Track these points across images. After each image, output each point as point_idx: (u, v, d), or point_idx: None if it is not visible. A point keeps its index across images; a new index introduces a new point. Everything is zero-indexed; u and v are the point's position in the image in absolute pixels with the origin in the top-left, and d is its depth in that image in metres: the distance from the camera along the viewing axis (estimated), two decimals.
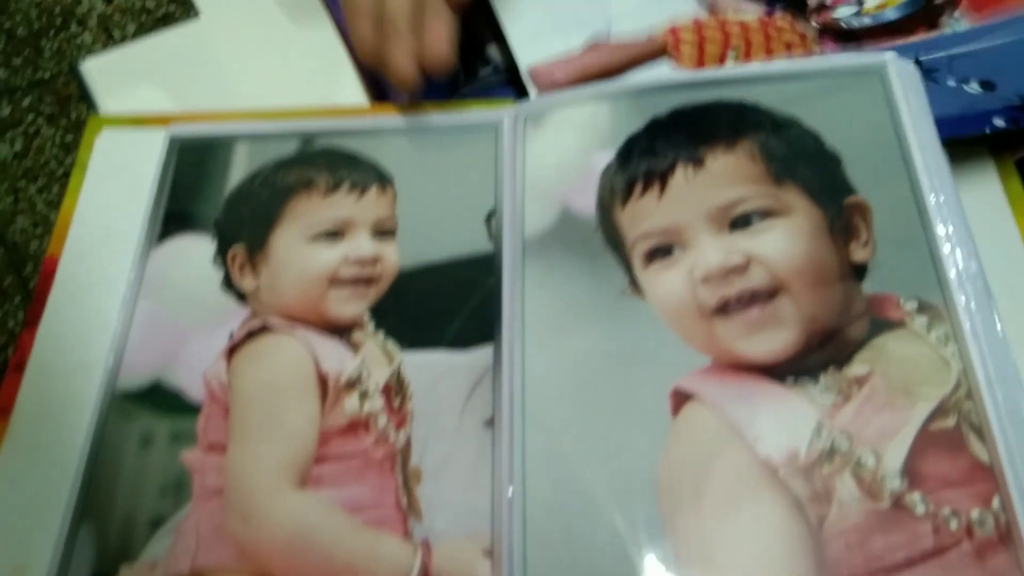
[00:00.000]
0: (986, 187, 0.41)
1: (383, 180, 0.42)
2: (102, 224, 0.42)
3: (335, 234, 0.40)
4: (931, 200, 0.37)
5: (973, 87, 0.41)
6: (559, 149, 0.41)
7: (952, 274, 0.36)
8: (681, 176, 0.38)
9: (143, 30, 0.52)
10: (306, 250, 0.40)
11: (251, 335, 0.38)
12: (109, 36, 0.90)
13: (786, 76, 0.42)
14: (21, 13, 0.91)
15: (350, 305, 0.39)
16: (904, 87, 0.40)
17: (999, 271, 0.36)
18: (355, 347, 0.38)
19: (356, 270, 0.39)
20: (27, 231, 0.90)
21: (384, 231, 0.41)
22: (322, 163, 0.42)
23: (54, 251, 0.42)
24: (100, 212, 0.43)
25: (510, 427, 0.35)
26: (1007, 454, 0.32)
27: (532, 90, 0.44)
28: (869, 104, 0.40)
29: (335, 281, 0.39)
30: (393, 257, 0.40)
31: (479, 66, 0.47)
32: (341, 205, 0.41)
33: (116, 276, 0.40)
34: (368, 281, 0.39)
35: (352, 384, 0.36)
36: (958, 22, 0.44)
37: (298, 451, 0.35)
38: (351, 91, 0.47)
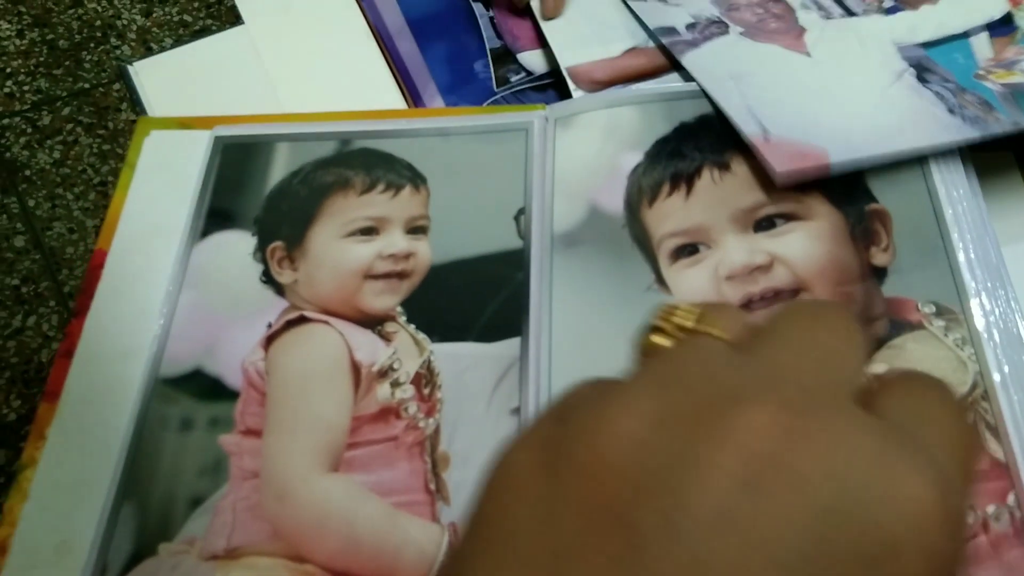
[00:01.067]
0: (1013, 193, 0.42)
1: (416, 180, 0.43)
2: (149, 220, 0.44)
3: (370, 231, 0.42)
4: (948, 211, 0.38)
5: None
6: (588, 150, 0.42)
7: (967, 278, 0.36)
8: (707, 179, 0.39)
9: (181, 43, 0.54)
10: (342, 246, 0.42)
11: (289, 325, 0.40)
12: (148, 48, 0.93)
13: None
14: (63, 25, 0.95)
15: (383, 298, 0.40)
16: None
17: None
18: (388, 338, 0.39)
19: (389, 265, 0.41)
20: (63, 236, 0.93)
21: (417, 228, 0.42)
22: (358, 163, 0.44)
23: (103, 245, 0.43)
24: (147, 209, 0.44)
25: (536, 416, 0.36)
26: (1022, 453, 0.33)
27: (572, 88, 0.46)
28: None
29: (369, 275, 0.41)
30: (425, 253, 0.41)
31: (512, 74, 0.49)
32: (376, 204, 0.42)
33: (161, 269, 0.42)
34: (401, 275, 0.41)
35: (384, 373, 0.38)
36: None
37: (331, 437, 0.37)
38: (389, 96, 0.49)
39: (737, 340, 0.17)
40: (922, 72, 0.41)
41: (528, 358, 0.38)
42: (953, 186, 0.39)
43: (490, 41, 0.50)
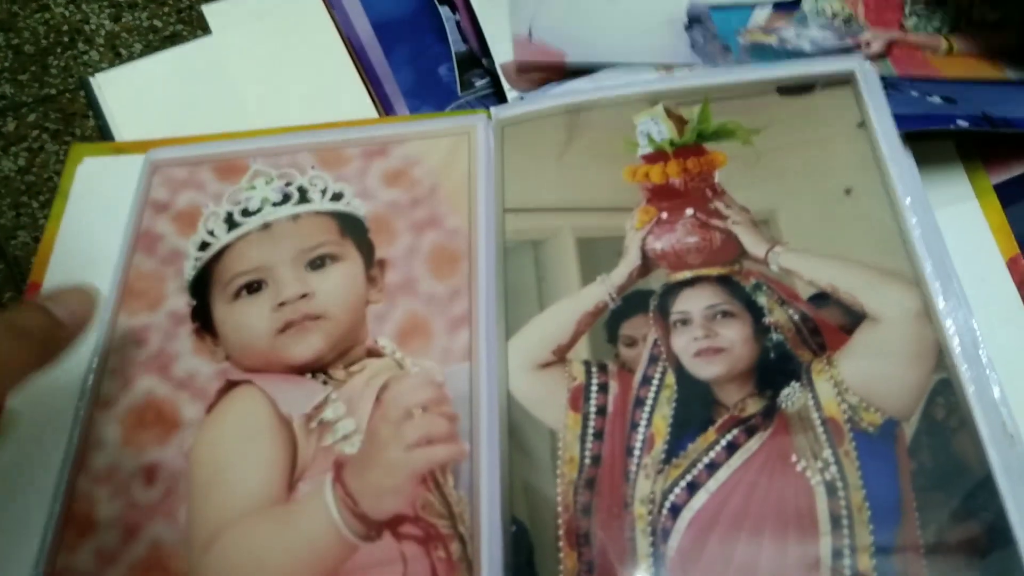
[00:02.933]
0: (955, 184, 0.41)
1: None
2: (82, 250, 0.43)
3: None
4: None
5: (935, 99, 0.41)
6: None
7: None
8: None
9: (150, 49, 0.53)
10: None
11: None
12: (116, 54, 0.92)
13: None
14: (29, 30, 0.93)
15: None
16: (870, 91, 0.41)
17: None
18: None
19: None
20: (28, 246, 0.92)
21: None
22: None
23: (36, 278, 0.42)
24: (80, 238, 0.43)
25: None
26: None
27: (506, 87, 0.46)
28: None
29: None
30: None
31: (476, 78, 0.48)
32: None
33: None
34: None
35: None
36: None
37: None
38: (361, 105, 0.48)
39: None
40: (693, 22, 0.48)
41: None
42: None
43: (455, 45, 0.49)
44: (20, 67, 0.91)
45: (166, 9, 0.90)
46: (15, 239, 0.93)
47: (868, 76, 0.41)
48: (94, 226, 0.43)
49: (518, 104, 0.44)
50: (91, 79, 0.50)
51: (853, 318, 0.36)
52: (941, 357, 0.34)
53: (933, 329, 0.35)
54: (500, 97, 0.47)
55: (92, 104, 0.50)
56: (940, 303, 0.35)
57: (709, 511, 0.33)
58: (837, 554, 0.31)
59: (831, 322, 0.36)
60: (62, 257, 0.43)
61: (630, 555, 0.32)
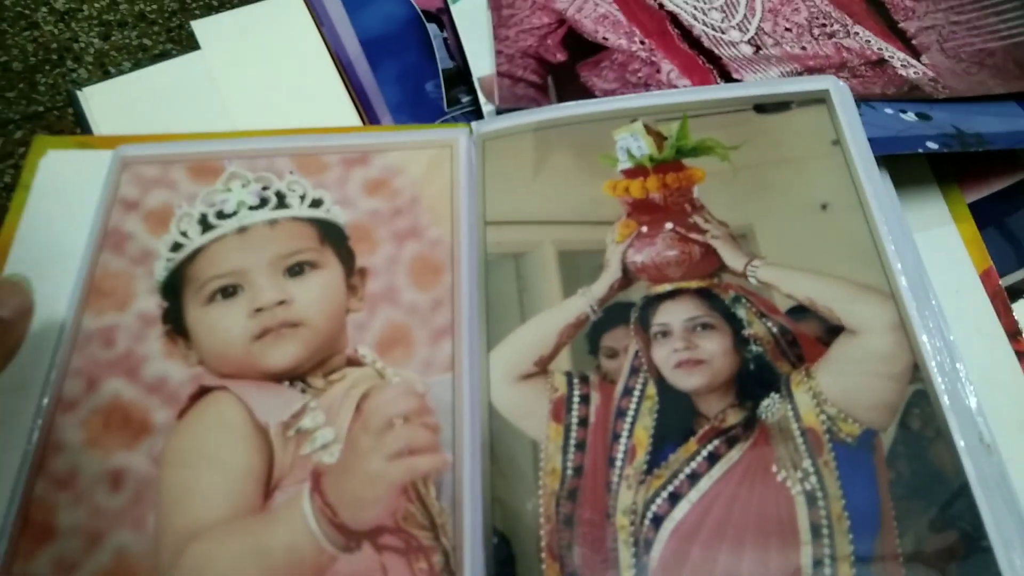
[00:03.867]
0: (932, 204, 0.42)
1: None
2: (45, 244, 0.42)
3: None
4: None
5: (909, 116, 0.43)
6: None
7: None
8: None
9: (139, 68, 0.53)
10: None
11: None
12: (106, 72, 0.91)
13: None
14: (17, 47, 0.92)
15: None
16: (844, 110, 0.42)
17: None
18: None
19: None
20: None
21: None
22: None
23: None
24: (42, 233, 0.42)
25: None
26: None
27: (483, 101, 0.46)
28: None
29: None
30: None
31: (463, 95, 0.49)
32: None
33: (59, 296, 0.40)
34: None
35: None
36: None
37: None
38: (348, 121, 0.48)
39: None
40: None
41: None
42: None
43: (443, 62, 0.49)
44: (8, 84, 0.89)
45: (156, 28, 0.89)
46: None
47: (842, 95, 0.42)
48: (57, 221, 0.42)
49: (499, 119, 0.45)
50: (78, 92, 0.49)
51: (830, 330, 0.36)
52: (917, 369, 0.35)
53: (909, 341, 0.35)
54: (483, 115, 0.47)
55: (79, 117, 0.49)
56: (915, 316, 0.36)
57: (691, 521, 0.33)
58: (818, 563, 0.31)
59: (809, 334, 0.36)
60: (21, 252, 0.41)
61: (612, 566, 0.32)
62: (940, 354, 0.35)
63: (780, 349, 0.36)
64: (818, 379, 0.35)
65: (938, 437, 0.33)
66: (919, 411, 0.34)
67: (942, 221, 0.41)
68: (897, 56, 0.44)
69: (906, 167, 0.42)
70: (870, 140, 0.40)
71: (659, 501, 0.33)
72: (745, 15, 0.47)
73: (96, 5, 0.84)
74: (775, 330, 0.37)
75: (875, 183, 0.39)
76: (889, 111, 0.42)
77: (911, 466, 0.33)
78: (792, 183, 0.40)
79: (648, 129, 0.43)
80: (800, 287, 0.37)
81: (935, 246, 0.39)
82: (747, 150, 0.42)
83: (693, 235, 0.39)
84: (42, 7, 0.87)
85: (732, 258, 0.39)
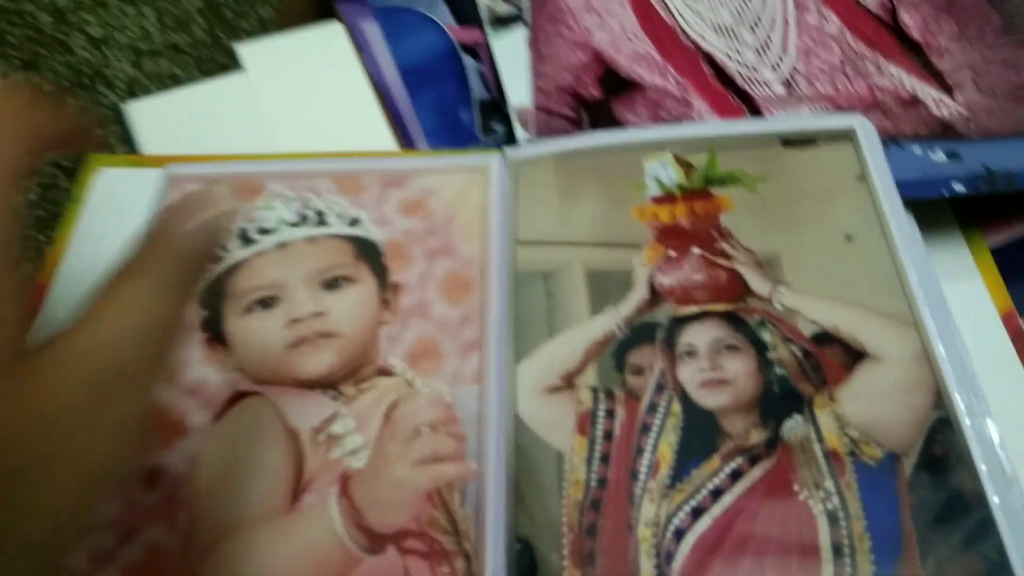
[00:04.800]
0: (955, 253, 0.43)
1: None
2: (95, 257, 0.44)
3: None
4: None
5: (938, 155, 0.43)
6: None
7: None
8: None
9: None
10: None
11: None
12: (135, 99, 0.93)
13: None
14: (51, 71, 0.96)
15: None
16: (870, 147, 0.42)
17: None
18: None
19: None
20: (31, 278, 0.92)
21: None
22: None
23: (44, 279, 0.43)
24: (93, 246, 0.44)
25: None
26: None
27: (517, 128, 0.48)
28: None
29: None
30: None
31: (497, 124, 0.50)
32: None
33: None
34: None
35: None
36: None
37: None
38: (386, 145, 0.50)
39: None
40: None
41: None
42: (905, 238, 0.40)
43: (478, 92, 0.52)
44: None
45: (188, 59, 0.93)
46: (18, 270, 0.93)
47: (868, 133, 0.43)
48: (107, 234, 0.44)
49: (532, 145, 0.46)
50: (123, 106, 0.51)
51: (854, 356, 0.37)
52: (939, 397, 0.35)
53: (932, 370, 0.36)
54: (517, 142, 0.49)
55: (124, 131, 0.52)
56: (938, 346, 0.36)
57: (713, 535, 0.33)
58: None
59: (832, 359, 0.37)
60: (73, 261, 0.43)
61: (634, 575, 0.33)
62: (963, 384, 0.35)
63: (804, 372, 0.37)
64: (841, 403, 0.35)
65: (960, 464, 0.33)
66: (942, 437, 0.34)
67: (963, 261, 0.42)
68: (931, 95, 0.45)
69: (929, 210, 0.42)
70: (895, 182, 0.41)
71: (681, 515, 0.34)
72: (780, 56, 0.48)
73: (130, 33, 0.88)
74: (799, 354, 0.37)
75: (899, 217, 0.40)
76: (918, 150, 0.43)
77: (933, 491, 0.33)
78: (817, 214, 0.41)
79: (677, 159, 0.44)
80: (825, 313, 0.38)
81: (956, 286, 0.40)
82: (774, 181, 0.43)
83: (720, 260, 0.40)
84: (77, 32, 0.90)
85: (758, 283, 0.39)
